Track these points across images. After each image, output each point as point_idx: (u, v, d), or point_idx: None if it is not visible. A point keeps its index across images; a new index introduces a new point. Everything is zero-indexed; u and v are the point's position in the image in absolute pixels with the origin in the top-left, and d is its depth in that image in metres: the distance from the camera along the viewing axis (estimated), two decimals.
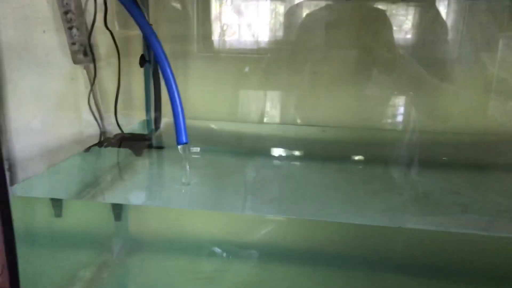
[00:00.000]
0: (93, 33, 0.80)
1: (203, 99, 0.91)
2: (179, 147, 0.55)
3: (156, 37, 0.57)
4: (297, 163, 0.79)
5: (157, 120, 0.83)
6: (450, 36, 0.82)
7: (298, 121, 0.91)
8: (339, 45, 0.86)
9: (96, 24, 0.77)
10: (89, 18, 0.79)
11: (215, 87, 0.92)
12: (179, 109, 0.52)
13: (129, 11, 0.60)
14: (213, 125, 0.90)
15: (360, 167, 0.79)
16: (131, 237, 0.72)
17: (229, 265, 0.67)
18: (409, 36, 0.84)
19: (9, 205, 0.51)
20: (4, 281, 0.56)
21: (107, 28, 0.75)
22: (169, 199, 0.59)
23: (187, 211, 0.61)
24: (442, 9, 0.82)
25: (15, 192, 0.52)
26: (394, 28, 0.82)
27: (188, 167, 0.56)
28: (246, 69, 0.91)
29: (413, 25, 0.83)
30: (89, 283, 0.68)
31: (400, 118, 0.89)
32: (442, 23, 0.81)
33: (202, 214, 0.63)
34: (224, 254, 0.67)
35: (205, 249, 0.67)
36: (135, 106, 0.89)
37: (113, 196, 0.61)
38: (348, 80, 0.88)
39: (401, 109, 0.89)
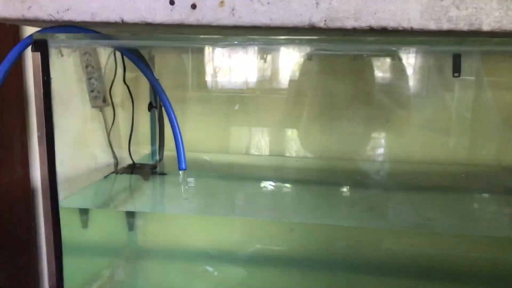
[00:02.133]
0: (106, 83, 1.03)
1: (198, 134, 1.13)
2: (180, 172, 0.76)
3: (160, 86, 0.79)
4: (275, 184, 1.01)
5: (160, 152, 1.05)
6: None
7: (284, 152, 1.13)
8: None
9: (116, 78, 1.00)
10: (110, 73, 1.02)
11: (207, 123, 1.14)
12: (180, 142, 0.74)
13: (139, 68, 0.82)
14: (206, 156, 1.11)
15: (326, 188, 1.00)
16: (140, 244, 0.93)
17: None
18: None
19: (58, 216, 0.72)
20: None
21: (125, 84, 0.97)
22: (172, 208, 0.80)
23: (185, 218, 0.83)
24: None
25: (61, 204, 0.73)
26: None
27: (186, 186, 0.78)
28: (236, 107, 1.13)
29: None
30: (108, 282, 0.88)
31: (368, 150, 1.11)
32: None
33: (197, 220, 0.84)
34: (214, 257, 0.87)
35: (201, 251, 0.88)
36: (141, 142, 1.11)
37: (129, 207, 0.82)
38: (325, 117, 1.10)
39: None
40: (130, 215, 0.90)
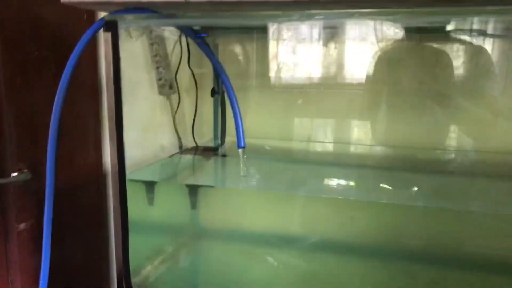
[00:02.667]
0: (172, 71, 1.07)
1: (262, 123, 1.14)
2: (239, 150, 0.77)
3: (222, 66, 0.81)
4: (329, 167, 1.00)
5: (222, 137, 1.07)
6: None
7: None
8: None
9: (181, 65, 1.03)
10: (175, 60, 1.06)
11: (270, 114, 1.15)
12: (239, 122, 0.76)
13: (206, 54, 0.85)
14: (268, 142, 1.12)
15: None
16: (202, 223, 0.96)
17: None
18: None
19: (125, 191, 0.76)
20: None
21: (190, 68, 1.00)
22: (232, 183, 0.83)
23: (244, 195, 0.84)
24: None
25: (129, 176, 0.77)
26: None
27: (245, 164, 0.79)
28: (299, 101, 1.13)
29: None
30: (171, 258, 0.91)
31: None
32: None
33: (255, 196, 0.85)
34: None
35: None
36: (205, 126, 1.14)
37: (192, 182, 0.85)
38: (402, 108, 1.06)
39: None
40: (193, 193, 0.93)
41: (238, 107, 0.76)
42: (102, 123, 1.27)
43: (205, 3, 0.64)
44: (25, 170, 0.97)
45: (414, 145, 1.01)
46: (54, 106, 0.75)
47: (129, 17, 0.70)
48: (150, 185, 0.88)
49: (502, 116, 1.00)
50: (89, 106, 1.21)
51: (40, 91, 0.99)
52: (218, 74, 0.78)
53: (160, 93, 1.13)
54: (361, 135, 1.07)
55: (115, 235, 0.80)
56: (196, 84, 1.03)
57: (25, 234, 0.98)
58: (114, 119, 0.78)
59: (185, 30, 0.76)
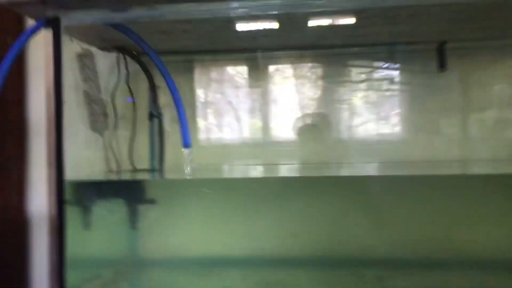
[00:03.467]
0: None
1: None
2: (184, 150, 0.77)
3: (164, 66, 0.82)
4: None
5: (161, 159, 1.06)
6: None
7: None
8: None
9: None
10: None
11: None
12: (185, 122, 0.76)
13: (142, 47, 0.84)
14: None
15: None
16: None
17: None
18: None
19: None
20: None
21: (129, 87, 1.01)
22: None
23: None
24: None
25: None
26: None
27: (191, 164, 0.78)
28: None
29: None
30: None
31: None
32: None
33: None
34: None
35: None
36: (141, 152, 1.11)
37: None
38: None
39: None
40: (133, 213, 0.89)
41: (183, 107, 0.77)
42: (27, 164, 1.20)
43: None
44: None
45: None
46: None
47: (74, 14, 0.70)
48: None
49: None
50: (12, 146, 1.14)
51: None
52: (161, 72, 0.77)
53: (93, 128, 1.11)
54: None
55: None
56: (134, 107, 1.03)
57: None
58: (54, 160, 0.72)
59: (132, 36, 0.77)
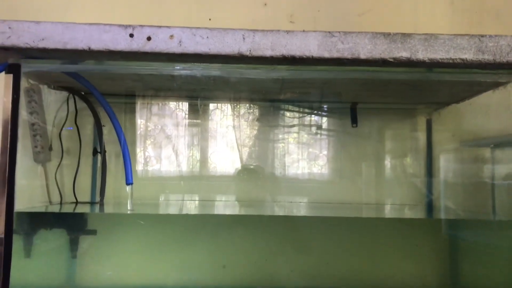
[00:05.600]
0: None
1: None
2: (127, 186, 0.87)
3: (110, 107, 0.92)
4: None
5: (102, 192, 1.13)
6: None
7: None
8: None
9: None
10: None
11: None
12: (128, 159, 0.86)
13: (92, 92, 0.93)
14: None
15: None
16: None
17: None
18: None
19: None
20: None
21: (77, 126, 1.09)
22: None
23: None
24: None
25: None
26: None
27: (131, 200, 0.88)
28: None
29: None
30: None
31: None
32: None
33: None
34: None
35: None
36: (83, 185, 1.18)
37: None
38: None
39: None
40: (74, 242, 0.95)
41: (127, 147, 0.87)
42: None
43: (107, 52, 0.77)
44: None
45: None
46: None
47: (33, 62, 0.79)
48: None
49: None
50: None
51: None
52: (106, 110, 0.87)
53: (36, 160, 1.16)
54: None
55: None
56: (80, 148, 1.11)
57: None
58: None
59: (84, 83, 0.87)
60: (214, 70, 0.83)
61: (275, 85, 1.01)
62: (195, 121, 1.26)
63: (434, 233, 1.14)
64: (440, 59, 0.77)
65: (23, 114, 1.09)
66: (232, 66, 0.85)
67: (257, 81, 1.00)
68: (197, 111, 1.26)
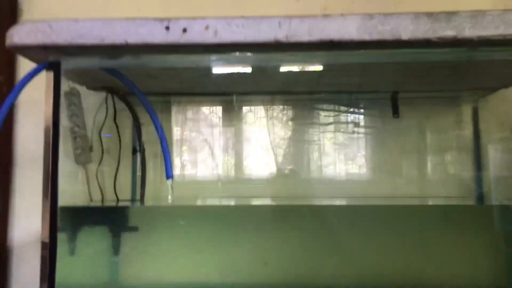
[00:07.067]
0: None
1: None
2: (168, 180, 0.86)
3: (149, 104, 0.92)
4: None
5: (142, 191, 1.14)
6: None
7: None
8: None
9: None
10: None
11: None
12: (167, 153, 0.86)
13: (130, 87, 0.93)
14: None
15: None
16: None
17: None
18: None
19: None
20: None
21: (116, 125, 1.10)
22: None
23: None
24: None
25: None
26: None
27: (172, 194, 0.87)
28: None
29: None
30: None
31: None
32: None
33: None
34: None
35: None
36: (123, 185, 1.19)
37: None
38: None
39: None
40: (116, 239, 0.96)
41: (166, 141, 0.87)
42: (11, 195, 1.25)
43: (143, 46, 0.78)
44: None
45: None
46: None
47: (73, 60, 0.81)
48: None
49: None
50: None
51: None
52: (146, 108, 0.87)
53: (77, 162, 1.18)
54: None
55: None
56: (119, 137, 1.12)
57: None
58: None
59: (124, 80, 0.88)
60: (250, 61, 0.81)
61: (312, 75, 0.98)
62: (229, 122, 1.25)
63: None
64: (490, 35, 0.72)
65: (63, 117, 1.13)
66: (267, 56, 0.83)
67: (292, 74, 0.98)
68: (233, 110, 1.25)
